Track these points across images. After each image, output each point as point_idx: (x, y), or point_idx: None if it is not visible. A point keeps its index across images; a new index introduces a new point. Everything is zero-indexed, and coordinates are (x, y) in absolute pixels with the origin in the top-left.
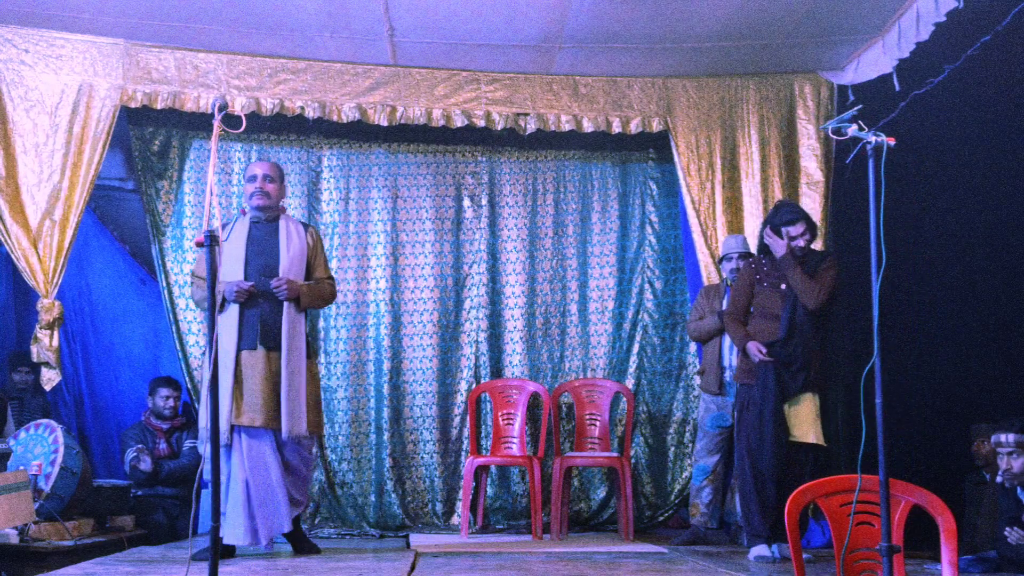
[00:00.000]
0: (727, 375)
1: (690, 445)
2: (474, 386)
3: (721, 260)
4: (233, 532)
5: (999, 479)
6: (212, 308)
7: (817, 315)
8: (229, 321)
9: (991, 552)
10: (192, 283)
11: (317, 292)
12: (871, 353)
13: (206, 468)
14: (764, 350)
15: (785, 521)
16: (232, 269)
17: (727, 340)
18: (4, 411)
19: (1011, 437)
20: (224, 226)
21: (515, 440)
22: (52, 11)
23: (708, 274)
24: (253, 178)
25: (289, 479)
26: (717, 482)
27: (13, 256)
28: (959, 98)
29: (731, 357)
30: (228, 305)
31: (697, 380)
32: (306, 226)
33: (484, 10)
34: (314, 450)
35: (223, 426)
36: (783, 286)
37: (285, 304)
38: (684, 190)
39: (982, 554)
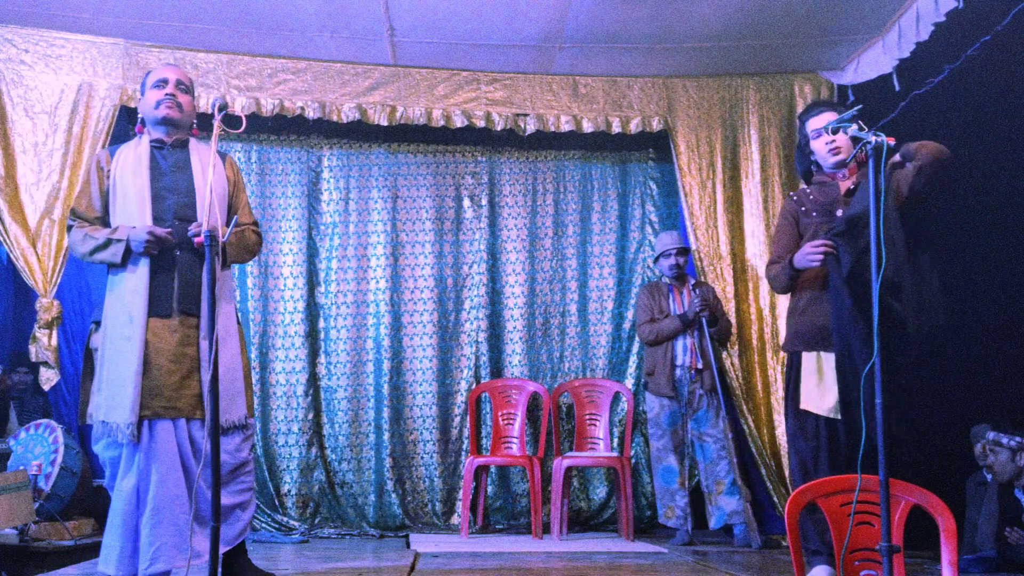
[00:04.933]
0: (679, 373)
1: (685, 444)
2: (474, 386)
3: (658, 258)
4: (105, 557)
5: (988, 476)
6: (212, 307)
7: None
8: (136, 280)
9: (991, 552)
10: (71, 227)
11: (243, 243)
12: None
13: (109, 472)
14: (824, 243)
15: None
16: (132, 210)
17: (678, 340)
18: (6, 411)
19: (993, 435)
20: (112, 153)
21: (515, 440)
22: (52, 11)
23: (705, 274)
24: (162, 83)
25: (233, 485)
26: (689, 483)
27: (12, 255)
28: (959, 98)
29: (685, 357)
30: (134, 259)
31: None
32: (223, 155)
33: (484, 10)
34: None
35: (128, 418)
36: (839, 212)
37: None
38: (684, 190)
39: (982, 554)
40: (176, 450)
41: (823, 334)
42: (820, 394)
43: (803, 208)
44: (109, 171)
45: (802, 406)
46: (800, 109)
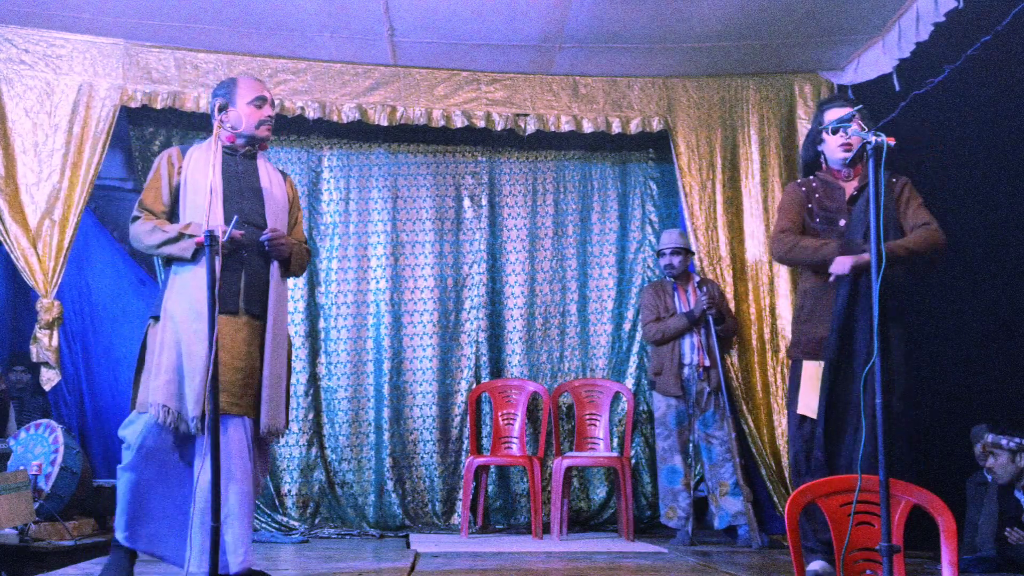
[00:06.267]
0: (686, 372)
1: (691, 445)
2: (474, 386)
3: (659, 255)
4: (191, 556)
5: (988, 477)
6: (212, 306)
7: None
8: (205, 276)
9: (991, 552)
10: (138, 218)
11: (301, 258)
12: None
13: (125, 471)
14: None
15: (786, 521)
16: (204, 209)
17: (685, 339)
18: (6, 411)
19: (992, 438)
20: (184, 152)
21: (515, 440)
22: (52, 11)
23: (705, 274)
24: (262, 101)
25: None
26: (694, 483)
27: (12, 256)
28: (959, 98)
29: (692, 355)
30: (204, 255)
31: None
32: (284, 175)
33: (484, 10)
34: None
35: (194, 411)
36: (841, 222)
37: (272, 264)
38: (684, 190)
39: (982, 554)
40: (246, 445)
41: (819, 345)
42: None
43: (809, 205)
44: (180, 168)
45: (799, 411)
46: (800, 109)
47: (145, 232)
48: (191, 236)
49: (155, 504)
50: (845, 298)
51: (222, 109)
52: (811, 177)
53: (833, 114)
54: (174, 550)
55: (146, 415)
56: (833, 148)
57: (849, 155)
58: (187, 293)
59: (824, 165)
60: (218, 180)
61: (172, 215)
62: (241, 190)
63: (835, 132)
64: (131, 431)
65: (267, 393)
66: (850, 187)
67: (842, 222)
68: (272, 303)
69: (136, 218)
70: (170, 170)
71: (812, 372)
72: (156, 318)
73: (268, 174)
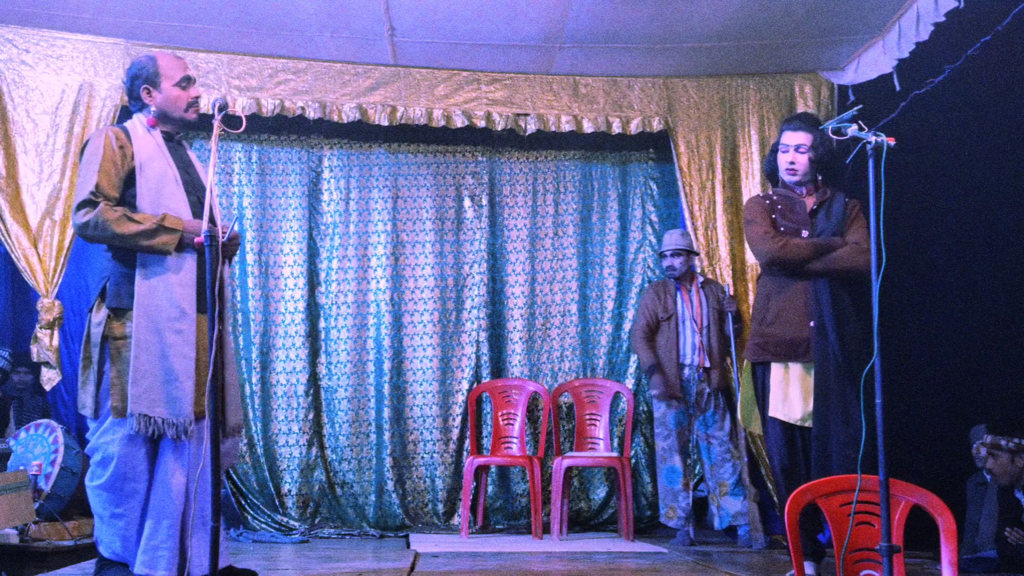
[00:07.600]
0: (686, 373)
1: (691, 445)
2: (474, 386)
3: (660, 256)
4: (151, 559)
5: (988, 477)
6: (212, 306)
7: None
8: (185, 274)
9: (991, 552)
10: (95, 203)
11: None
12: (872, 353)
13: (94, 471)
14: None
15: (785, 520)
16: (167, 199)
17: (686, 339)
18: (6, 411)
19: (991, 438)
20: (125, 131)
21: (515, 440)
22: (52, 11)
23: (704, 275)
24: (188, 81)
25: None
26: (694, 483)
27: (13, 256)
28: (959, 98)
29: (693, 356)
30: (188, 254)
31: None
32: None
33: (484, 10)
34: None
35: (190, 415)
36: (804, 232)
37: (225, 262)
38: (684, 190)
39: (982, 554)
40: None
41: (792, 347)
42: (787, 404)
43: (773, 216)
44: (133, 153)
45: (770, 414)
46: (800, 109)
47: (113, 220)
48: (172, 230)
49: (132, 515)
50: (827, 300)
51: (148, 92)
52: (770, 191)
53: (788, 136)
54: (133, 557)
55: (123, 425)
56: (782, 168)
57: (793, 178)
58: (165, 291)
59: (781, 180)
60: (176, 172)
61: (121, 201)
62: (192, 182)
63: (836, 132)
64: (105, 442)
65: (232, 391)
66: (810, 201)
67: (805, 233)
68: (228, 301)
69: (92, 203)
70: (122, 154)
71: (780, 375)
72: (116, 311)
73: (197, 163)
